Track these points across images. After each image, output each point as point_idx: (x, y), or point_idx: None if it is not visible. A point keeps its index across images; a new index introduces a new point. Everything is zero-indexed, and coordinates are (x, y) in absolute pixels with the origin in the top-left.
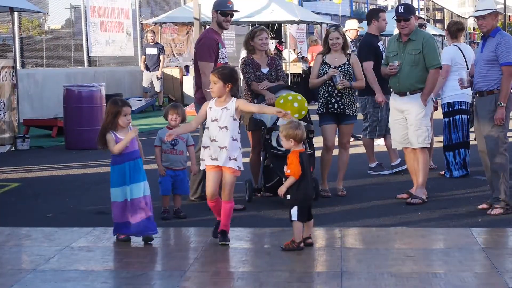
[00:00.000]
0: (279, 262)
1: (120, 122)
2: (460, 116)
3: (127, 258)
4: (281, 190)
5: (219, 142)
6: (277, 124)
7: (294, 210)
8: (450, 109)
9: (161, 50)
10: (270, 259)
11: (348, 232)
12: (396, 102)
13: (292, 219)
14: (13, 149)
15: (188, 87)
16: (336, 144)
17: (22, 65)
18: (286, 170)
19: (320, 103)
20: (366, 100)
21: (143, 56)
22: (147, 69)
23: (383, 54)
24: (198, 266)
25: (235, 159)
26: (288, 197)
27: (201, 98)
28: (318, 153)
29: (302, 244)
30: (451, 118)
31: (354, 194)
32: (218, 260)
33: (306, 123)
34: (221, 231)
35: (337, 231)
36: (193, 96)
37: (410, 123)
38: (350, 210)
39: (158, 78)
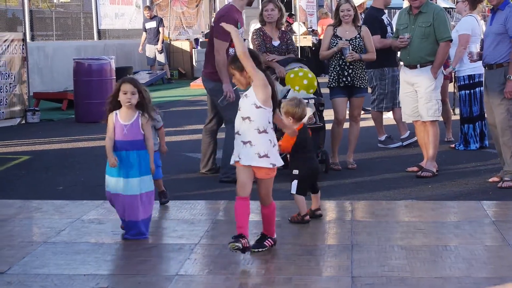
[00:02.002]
0: (290, 235)
1: (120, 100)
2: (480, 88)
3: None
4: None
5: (242, 136)
6: (287, 97)
7: (294, 184)
8: (471, 81)
9: (160, 22)
10: (281, 231)
11: (358, 205)
12: (406, 75)
13: (292, 192)
14: (23, 122)
15: (198, 60)
16: (347, 117)
17: (32, 38)
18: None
19: (332, 77)
20: (372, 73)
21: (144, 33)
22: (148, 42)
23: (388, 28)
24: (208, 239)
25: (266, 156)
26: (296, 171)
27: (210, 73)
28: (328, 126)
29: (307, 217)
30: (471, 91)
31: (365, 167)
32: (228, 233)
33: (316, 96)
34: (261, 235)
35: (347, 204)
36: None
37: (420, 96)
38: (360, 183)
39: (159, 52)
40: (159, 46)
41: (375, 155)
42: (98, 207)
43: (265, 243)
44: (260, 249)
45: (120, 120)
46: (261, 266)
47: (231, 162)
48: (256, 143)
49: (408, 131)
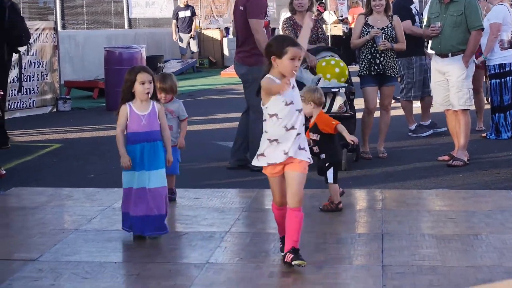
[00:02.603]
0: (320, 223)
1: (137, 91)
2: (511, 77)
3: (169, 219)
4: (354, 138)
5: (298, 129)
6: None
7: (330, 173)
8: (501, 70)
9: (193, 12)
10: (311, 220)
11: (389, 194)
12: (437, 64)
13: (329, 181)
14: (54, 110)
15: (229, 49)
16: (378, 106)
17: (63, 27)
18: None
19: (363, 65)
20: (400, 62)
21: (174, 21)
22: (181, 31)
23: (416, 17)
24: (238, 227)
25: (305, 149)
26: (323, 156)
27: (243, 57)
28: (359, 115)
29: (340, 205)
30: (502, 80)
31: (395, 156)
32: (258, 221)
33: (347, 85)
34: (292, 248)
35: (378, 193)
36: (234, 56)
37: (451, 84)
38: (391, 172)
39: (192, 38)
40: (193, 33)
41: (405, 144)
42: None
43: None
44: (303, 262)
45: (137, 111)
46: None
47: (259, 164)
48: (302, 136)
49: (430, 120)
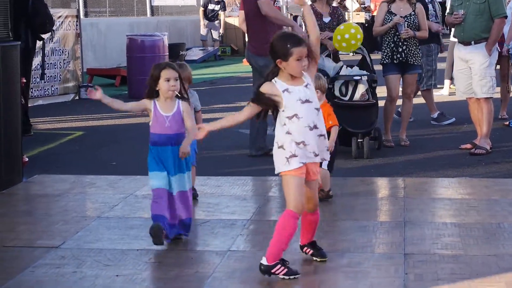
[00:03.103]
0: (341, 211)
1: (161, 88)
2: None
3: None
4: (332, 146)
5: (320, 129)
6: (340, 74)
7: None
8: None
9: (223, 6)
10: (334, 208)
11: (411, 182)
12: (460, 52)
13: (322, 167)
14: (77, 98)
15: None
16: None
17: (86, 15)
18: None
19: (385, 53)
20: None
21: (202, 9)
22: (208, 19)
23: (429, 6)
24: (260, 215)
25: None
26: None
27: (259, 48)
28: (381, 103)
29: (331, 192)
30: None
31: (417, 144)
32: (280, 209)
33: (369, 73)
34: (312, 242)
35: (400, 181)
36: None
37: (474, 73)
38: (413, 160)
39: (217, 30)
40: (221, 29)
41: (428, 132)
42: None
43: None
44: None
45: (161, 111)
46: None
47: (288, 168)
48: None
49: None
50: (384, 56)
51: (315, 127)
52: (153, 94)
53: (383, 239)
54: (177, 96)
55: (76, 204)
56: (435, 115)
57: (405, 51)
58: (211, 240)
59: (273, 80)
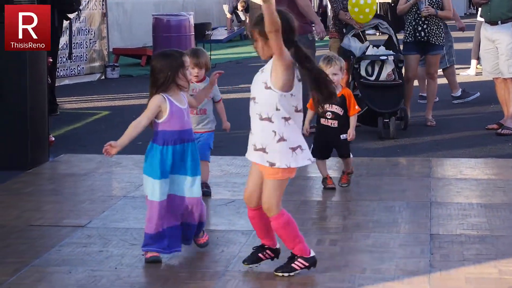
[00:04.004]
0: (367, 191)
1: (186, 77)
2: None
3: (216, 187)
4: (353, 134)
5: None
6: (366, 54)
7: (348, 147)
8: None
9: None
10: (358, 188)
11: (438, 163)
12: (487, 32)
13: (351, 156)
14: (103, 77)
15: None
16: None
17: None
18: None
19: (408, 32)
20: None
21: (229, 16)
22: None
23: None
24: (286, 196)
25: (263, 150)
26: (344, 136)
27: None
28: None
29: (326, 184)
30: None
31: (443, 125)
32: (305, 190)
33: (395, 53)
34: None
35: (426, 161)
36: None
37: (501, 52)
38: (439, 140)
39: (241, 10)
40: (240, 5)
41: (454, 113)
42: None
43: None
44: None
45: (178, 104)
46: (339, 223)
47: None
48: (255, 131)
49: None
50: (406, 35)
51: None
52: (166, 86)
53: (408, 220)
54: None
55: (102, 183)
56: (458, 93)
57: (426, 30)
58: (236, 219)
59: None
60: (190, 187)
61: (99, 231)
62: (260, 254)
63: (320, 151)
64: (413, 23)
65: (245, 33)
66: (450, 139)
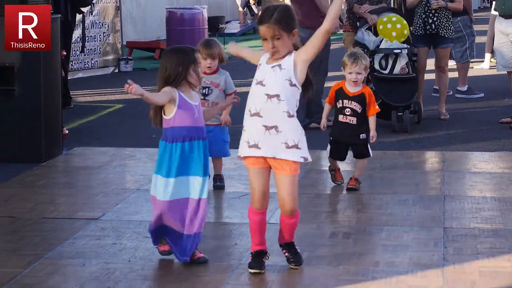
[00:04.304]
0: (381, 185)
1: (198, 75)
2: None
3: (230, 180)
4: (376, 136)
5: (265, 119)
6: (380, 47)
7: (368, 148)
8: None
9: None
10: (371, 181)
11: (451, 156)
12: (501, 25)
13: (371, 155)
14: (116, 70)
15: None
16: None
17: None
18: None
19: (417, 24)
20: (459, 21)
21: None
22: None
23: None
24: (300, 188)
25: (296, 146)
26: (363, 135)
27: (300, 21)
28: None
29: (335, 178)
30: None
31: (457, 118)
32: (319, 183)
33: (409, 46)
34: (287, 243)
35: (440, 155)
36: None
37: None
38: (453, 134)
39: (254, 3)
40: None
41: (467, 106)
42: None
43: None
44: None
45: (189, 100)
46: (353, 216)
47: (239, 154)
48: (283, 129)
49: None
50: (416, 27)
51: (257, 114)
52: (178, 82)
53: (422, 213)
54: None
55: (115, 176)
56: (465, 88)
57: (436, 23)
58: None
59: None
60: (198, 188)
61: (112, 224)
62: (263, 259)
63: (339, 151)
64: (423, 16)
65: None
66: (464, 133)
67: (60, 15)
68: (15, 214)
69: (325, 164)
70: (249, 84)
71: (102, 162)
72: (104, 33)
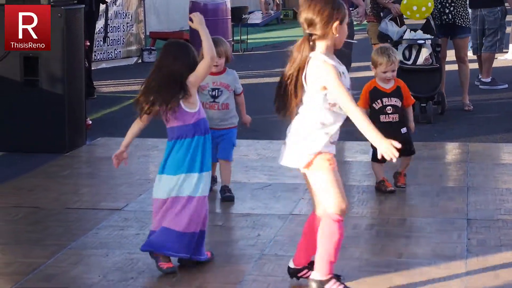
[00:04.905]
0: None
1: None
2: None
3: (253, 171)
4: (414, 126)
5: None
6: (404, 38)
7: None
8: None
9: None
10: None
11: (475, 147)
12: None
13: (413, 153)
14: (140, 61)
15: None
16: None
17: None
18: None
19: (433, 15)
20: (500, 11)
21: None
22: None
23: None
24: None
25: None
26: (404, 130)
27: None
28: None
29: (385, 187)
30: None
31: (481, 109)
32: (342, 174)
33: (433, 37)
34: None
35: (463, 146)
36: None
37: None
38: (477, 125)
39: None
40: None
41: (491, 97)
42: None
43: None
44: None
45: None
46: (375, 207)
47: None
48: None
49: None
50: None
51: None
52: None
53: (445, 204)
54: None
55: (139, 167)
56: (489, 79)
57: (453, 13)
58: (273, 203)
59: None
60: (196, 184)
61: (136, 214)
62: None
63: None
64: (439, 6)
65: (281, 17)
66: (488, 124)
67: (84, 5)
68: (38, 204)
69: (348, 155)
70: (272, 75)
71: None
72: (127, 23)
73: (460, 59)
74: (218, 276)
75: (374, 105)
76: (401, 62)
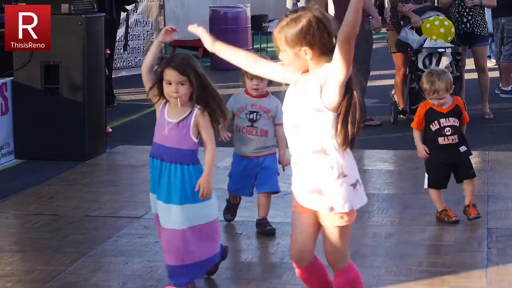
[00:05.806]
0: (423, 184)
1: (164, 91)
2: None
3: None
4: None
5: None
6: (424, 46)
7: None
8: None
9: None
10: (415, 181)
11: (495, 156)
12: None
13: (476, 176)
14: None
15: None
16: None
17: None
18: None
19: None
20: (504, 22)
21: None
22: None
23: None
24: None
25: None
26: (463, 148)
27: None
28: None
29: (449, 217)
30: None
31: (501, 118)
32: (363, 182)
33: (453, 45)
34: None
35: (483, 155)
36: None
37: None
38: (497, 134)
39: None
40: None
41: (510, 106)
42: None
43: None
44: None
45: (166, 115)
46: (395, 216)
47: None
48: (305, 168)
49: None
50: None
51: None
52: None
53: None
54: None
55: None
56: (509, 88)
57: (471, 22)
58: (287, 208)
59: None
60: (166, 215)
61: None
62: None
63: (445, 178)
64: (457, 15)
65: None
66: (508, 133)
67: (104, 14)
68: (59, 212)
69: (367, 163)
70: (278, 84)
71: (145, 161)
72: (147, 31)
73: (480, 68)
74: (238, 283)
75: (431, 126)
76: (421, 70)
